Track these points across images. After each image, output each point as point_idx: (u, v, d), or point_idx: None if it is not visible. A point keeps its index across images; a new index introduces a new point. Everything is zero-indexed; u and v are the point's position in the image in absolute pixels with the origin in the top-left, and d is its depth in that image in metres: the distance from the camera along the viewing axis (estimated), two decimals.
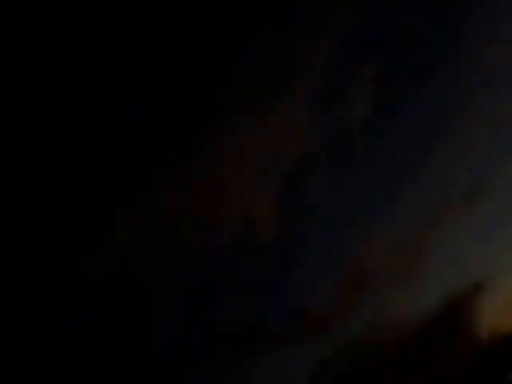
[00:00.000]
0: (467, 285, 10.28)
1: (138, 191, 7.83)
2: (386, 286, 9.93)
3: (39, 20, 7.12)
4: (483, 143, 10.49)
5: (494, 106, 10.27)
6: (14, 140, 6.88)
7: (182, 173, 8.32)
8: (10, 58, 6.99)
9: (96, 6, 7.38)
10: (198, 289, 8.45)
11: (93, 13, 7.39)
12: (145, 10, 7.64)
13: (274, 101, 8.84)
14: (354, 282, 9.73)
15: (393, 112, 9.71)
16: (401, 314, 9.85)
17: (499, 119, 10.34)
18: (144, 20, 7.63)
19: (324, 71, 9.17)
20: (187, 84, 8.05)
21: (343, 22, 9.01)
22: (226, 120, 8.42)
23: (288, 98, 8.97)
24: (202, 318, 8.39)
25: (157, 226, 8.10)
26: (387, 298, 9.88)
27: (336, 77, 9.28)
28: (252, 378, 8.74)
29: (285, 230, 9.22)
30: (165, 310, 8.00)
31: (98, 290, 7.42)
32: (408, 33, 9.46)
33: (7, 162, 6.81)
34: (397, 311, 9.82)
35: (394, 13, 9.32)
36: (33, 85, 7.12)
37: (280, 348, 9.10)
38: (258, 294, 9.01)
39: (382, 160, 9.98)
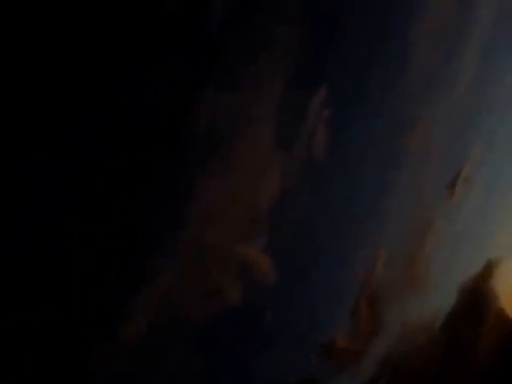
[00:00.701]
0: (477, 273, 10.31)
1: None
2: (398, 299, 9.89)
3: (39, 19, 7.10)
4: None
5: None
6: (14, 140, 6.87)
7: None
8: (9, 58, 6.97)
9: (96, 6, 7.37)
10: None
11: (92, 13, 7.39)
12: (145, 10, 7.64)
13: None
14: (368, 302, 9.69)
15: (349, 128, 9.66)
16: (420, 319, 9.83)
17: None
18: (144, 20, 7.64)
19: (277, 108, 8.97)
20: (187, 85, 8.06)
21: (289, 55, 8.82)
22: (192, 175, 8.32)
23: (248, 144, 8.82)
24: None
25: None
26: (403, 310, 9.86)
27: (288, 111, 9.09)
28: None
29: (284, 269, 9.08)
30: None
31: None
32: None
33: (7, 162, 6.80)
34: (415, 320, 9.80)
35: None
36: (32, 85, 7.10)
37: None
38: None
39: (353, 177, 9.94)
